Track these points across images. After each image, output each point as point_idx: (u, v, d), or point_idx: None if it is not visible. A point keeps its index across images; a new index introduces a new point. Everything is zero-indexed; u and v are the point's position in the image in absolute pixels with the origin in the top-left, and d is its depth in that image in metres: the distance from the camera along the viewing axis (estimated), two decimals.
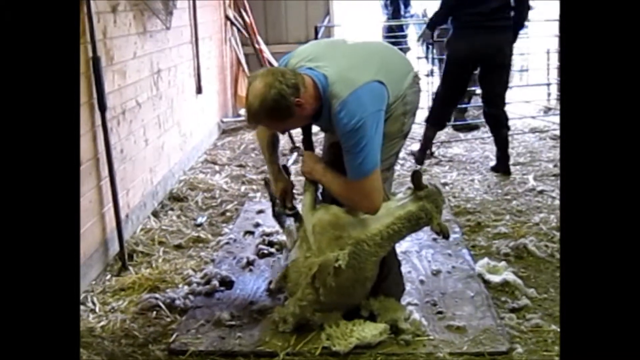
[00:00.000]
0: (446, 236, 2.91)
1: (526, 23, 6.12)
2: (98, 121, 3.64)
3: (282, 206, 3.21)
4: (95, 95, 3.58)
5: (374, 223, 2.81)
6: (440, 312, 3.06)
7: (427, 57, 7.23)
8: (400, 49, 3.39)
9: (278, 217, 3.30)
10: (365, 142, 2.65)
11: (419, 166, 3.27)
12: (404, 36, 8.72)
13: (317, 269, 2.80)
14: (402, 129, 2.92)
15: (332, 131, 2.89)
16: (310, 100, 2.71)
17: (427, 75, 6.72)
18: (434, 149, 6.02)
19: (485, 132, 6.93)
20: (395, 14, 8.63)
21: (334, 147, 2.96)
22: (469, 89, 6.90)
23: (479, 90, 7.84)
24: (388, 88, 2.78)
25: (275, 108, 2.63)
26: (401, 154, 4.51)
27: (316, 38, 7.33)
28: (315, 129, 3.06)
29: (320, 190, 3.08)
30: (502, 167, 5.43)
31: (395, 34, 8.48)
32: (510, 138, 6.54)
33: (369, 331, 2.79)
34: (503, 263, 3.53)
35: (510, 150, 6.06)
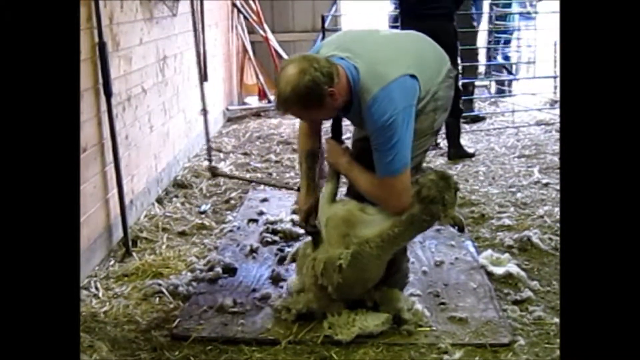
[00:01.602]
0: (461, 229, 2.75)
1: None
2: (103, 107, 3.64)
3: (305, 222, 3.05)
4: (100, 80, 3.58)
5: (379, 224, 2.75)
6: (442, 303, 3.06)
7: None
8: None
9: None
10: (396, 140, 2.58)
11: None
12: None
13: (323, 266, 2.80)
14: (432, 125, 2.84)
15: (362, 125, 2.80)
16: (342, 92, 2.62)
17: None
18: (439, 140, 6.00)
19: (490, 124, 6.92)
20: None
21: (361, 142, 2.89)
22: (469, 80, 6.92)
23: (478, 82, 7.89)
24: (420, 82, 2.70)
25: (307, 96, 2.54)
26: None
27: (323, 27, 7.31)
28: (345, 121, 2.97)
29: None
30: (455, 153, 5.55)
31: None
32: (515, 130, 6.56)
33: (371, 321, 2.79)
34: (506, 255, 3.52)
35: (515, 143, 6.08)
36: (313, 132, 3.03)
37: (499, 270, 3.35)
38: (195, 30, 5.37)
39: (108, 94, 3.61)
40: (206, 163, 5.52)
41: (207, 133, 4.84)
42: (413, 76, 2.67)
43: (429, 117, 2.81)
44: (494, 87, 8.53)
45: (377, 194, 2.73)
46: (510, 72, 8.88)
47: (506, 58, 8.77)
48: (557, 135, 6.30)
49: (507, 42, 8.75)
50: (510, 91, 8.38)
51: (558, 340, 2.74)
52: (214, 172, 4.53)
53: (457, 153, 5.56)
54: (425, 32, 5.19)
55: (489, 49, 8.19)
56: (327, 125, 3.05)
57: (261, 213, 4.29)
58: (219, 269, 3.39)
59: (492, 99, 8.04)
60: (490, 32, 8.29)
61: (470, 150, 5.71)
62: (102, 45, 3.53)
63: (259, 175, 5.25)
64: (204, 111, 4.81)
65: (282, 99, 2.57)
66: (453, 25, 5.35)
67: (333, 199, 2.94)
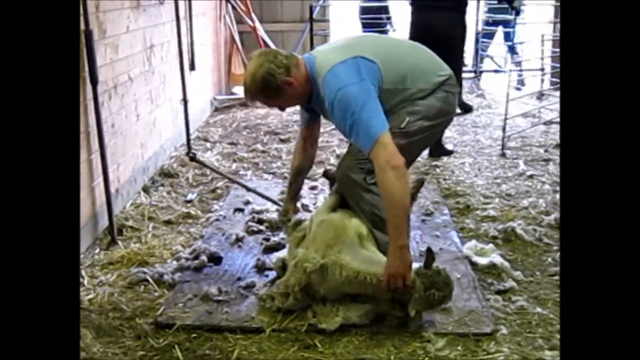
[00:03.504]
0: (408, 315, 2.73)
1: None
2: (89, 95, 3.62)
3: (283, 215, 3.37)
4: (87, 68, 3.56)
5: (364, 263, 2.76)
6: None
7: None
8: (382, 31, 3.46)
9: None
10: (355, 109, 2.67)
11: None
12: (389, 18, 8.60)
13: (294, 263, 2.85)
14: (400, 125, 2.86)
15: (326, 115, 2.95)
16: (301, 80, 2.86)
17: None
18: None
19: (477, 116, 6.95)
20: None
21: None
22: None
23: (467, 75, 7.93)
24: (382, 69, 2.81)
25: (265, 86, 2.82)
26: None
27: (311, 17, 7.30)
28: None
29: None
30: (436, 151, 5.45)
31: (373, 16, 8.41)
32: (502, 122, 6.59)
33: (354, 312, 2.80)
34: (490, 245, 3.55)
35: (501, 135, 6.10)
36: (305, 150, 3.30)
37: (482, 261, 3.37)
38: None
39: (94, 82, 3.59)
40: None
41: (186, 121, 4.87)
42: (367, 59, 2.81)
43: (399, 116, 2.87)
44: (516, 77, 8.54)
45: (379, 175, 2.67)
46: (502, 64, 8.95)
47: (512, 49, 8.77)
48: (542, 128, 6.33)
49: (508, 35, 8.72)
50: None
51: (540, 330, 2.78)
52: (193, 158, 4.59)
53: (437, 151, 5.52)
54: (435, 23, 5.21)
55: (477, 41, 8.21)
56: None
57: (247, 202, 4.30)
58: (204, 258, 3.39)
59: (480, 92, 8.06)
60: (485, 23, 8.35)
61: (449, 147, 5.66)
62: (88, 33, 3.51)
63: (245, 165, 5.25)
64: (184, 101, 4.86)
65: (246, 90, 2.90)
66: (463, 19, 5.35)
67: (334, 209, 3.01)
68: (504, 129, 5.59)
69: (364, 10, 8.56)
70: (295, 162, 3.35)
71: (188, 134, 4.96)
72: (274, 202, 4.19)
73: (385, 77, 2.83)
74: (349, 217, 2.93)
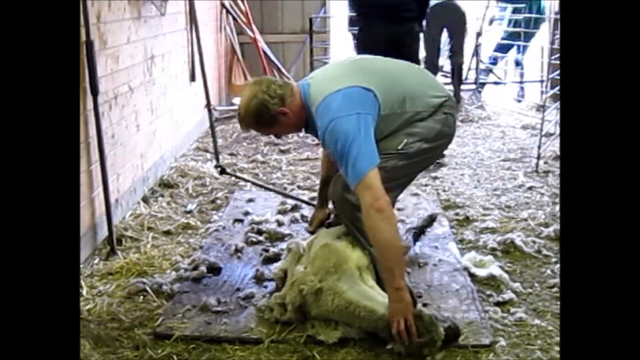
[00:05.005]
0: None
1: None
2: (90, 105, 3.63)
3: (309, 224, 3.51)
4: (87, 79, 3.57)
5: (358, 295, 2.75)
6: (425, 305, 3.06)
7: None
8: None
9: None
10: (346, 143, 2.62)
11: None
12: None
13: (292, 282, 2.86)
14: (397, 147, 2.86)
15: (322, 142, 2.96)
16: (295, 110, 2.86)
17: None
18: None
19: (477, 128, 6.96)
20: None
21: None
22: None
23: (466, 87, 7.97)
24: (379, 96, 2.79)
25: (257, 117, 2.83)
26: None
27: (311, 29, 7.32)
28: None
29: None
30: None
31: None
32: (501, 134, 6.61)
33: (354, 328, 2.79)
34: (489, 257, 3.54)
35: (501, 146, 6.12)
36: (328, 161, 3.30)
37: (481, 272, 3.37)
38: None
39: (95, 93, 3.61)
40: (192, 163, 5.53)
41: (212, 130, 5.14)
42: (364, 88, 2.77)
43: (397, 137, 2.87)
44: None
45: (365, 220, 2.65)
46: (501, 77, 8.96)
47: (519, 63, 8.79)
48: (542, 140, 6.33)
49: (519, 48, 8.72)
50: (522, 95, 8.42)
51: (539, 342, 2.77)
52: (223, 171, 4.71)
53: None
54: (393, 35, 5.15)
55: (476, 54, 8.22)
56: None
57: (247, 213, 4.30)
58: (203, 268, 3.39)
59: (479, 103, 8.08)
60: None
61: (444, 160, 5.62)
62: (89, 44, 3.53)
63: (245, 176, 5.25)
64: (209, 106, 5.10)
65: (240, 119, 2.91)
66: (415, 30, 5.29)
67: (339, 237, 3.03)
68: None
69: (351, 22, 8.56)
70: (322, 172, 3.45)
71: (215, 145, 5.22)
72: (307, 202, 4.32)
73: (383, 102, 2.81)
74: (352, 248, 2.95)
